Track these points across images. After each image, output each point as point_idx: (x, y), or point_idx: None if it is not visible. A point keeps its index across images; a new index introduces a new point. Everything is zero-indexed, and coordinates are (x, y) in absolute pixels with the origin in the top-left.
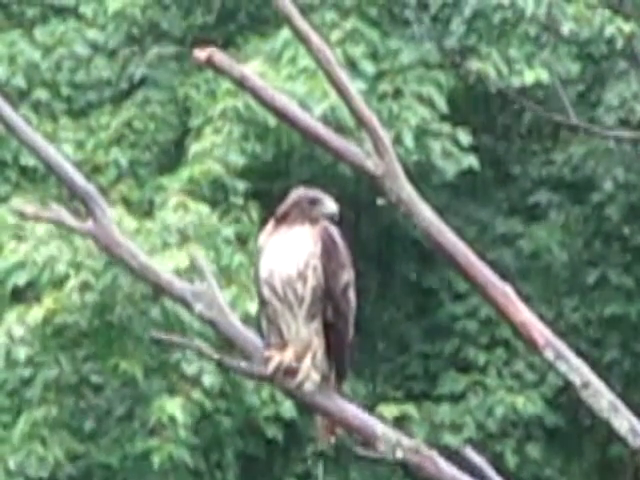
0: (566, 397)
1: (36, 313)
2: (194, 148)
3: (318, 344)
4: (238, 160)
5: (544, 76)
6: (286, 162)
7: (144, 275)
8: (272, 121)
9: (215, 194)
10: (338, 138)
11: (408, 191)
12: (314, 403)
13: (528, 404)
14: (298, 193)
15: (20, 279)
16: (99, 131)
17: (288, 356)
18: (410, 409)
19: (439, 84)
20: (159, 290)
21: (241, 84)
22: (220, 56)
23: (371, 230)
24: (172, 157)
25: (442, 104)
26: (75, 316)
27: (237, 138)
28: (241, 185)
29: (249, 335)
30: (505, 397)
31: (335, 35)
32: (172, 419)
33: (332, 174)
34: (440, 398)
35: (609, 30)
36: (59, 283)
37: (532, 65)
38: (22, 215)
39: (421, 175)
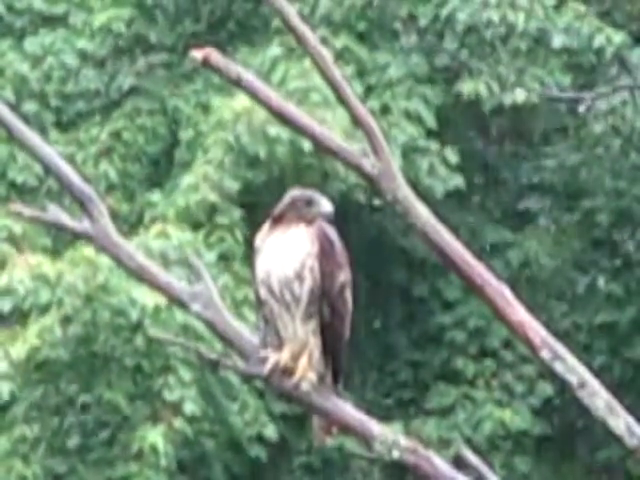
0: (555, 406)
1: (19, 350)
2: (187, 180)
3: (315, 344)
4: (233, 186)
5: (535, 94)
6: (278, 185)
7: (142, 276)
8: (262, 152)
9: (203, 215)
10: (335, 138)
11: (404, 191)
12: (311, 403)
13: (516, 418)
14: (294, 194)
15: (5, 306)
16: (88, 144)
17: (285, 356)
18: (397, 426)
19: (427, 99)
20: (157, 290)
21: (238, 84)
22: (217, 56)
23: (361, 238)
24: (161, 169)
25: (430, 119)
26: (59, 350)
27: (229, 167)
28: (237, 213)
29: (246, 335)
30: (493, 411)
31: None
32: (154, 448)
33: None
34: (429, 412)
35: (598, 40)
36: (44, 309)
37: (523, 80)
38: (20, 216)
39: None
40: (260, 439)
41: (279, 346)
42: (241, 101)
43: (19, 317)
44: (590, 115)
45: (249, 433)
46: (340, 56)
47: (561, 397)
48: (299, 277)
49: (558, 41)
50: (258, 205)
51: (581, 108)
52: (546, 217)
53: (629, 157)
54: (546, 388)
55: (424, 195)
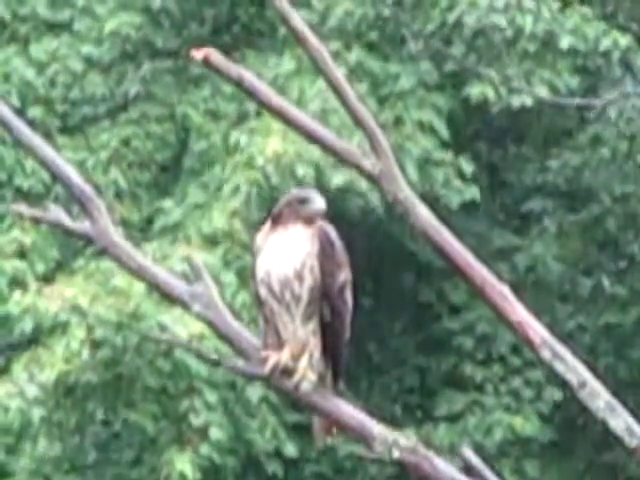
0: (563, 410)
1: (49, 375)
2: (216, 214)
3: (315, 344)
4: (256, 214)
5: (544, 94)
6: None
7: (142, 276)
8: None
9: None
10: (335, 138)
11: (405, 191)
12: (311, 403)
13: (526, 424)
14: (290, 193)
15: (27, 325)
16: (99, 150)
17: (285, 356)
18: (409, 433)
19: (438, 108)
20: (157, 291)
21: (239, 84)
22: (217, 56)
23: (367, 243)
24: (169, 175)
25: (443, 130)
26: (87, 375)
27: (255, 200)
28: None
29: (246, 335)
30: (503, 417)
31: (339, 71)
32: (183, 476)
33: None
34: (437, 418)
35: (605, 43)
36: (64, 327)
37: (531, 82)
38: (20, 216)
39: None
40: (278, 454)
41: (279, 346)
42: (273, 145)
43: (41, 337)
44: (596, 118)
45: (267, 448)
46: (353, 72)
47: (570, 401)
48: (299, 277)
49: (566, 42)
50: None
51: (592, 115)
52: (550, 219)
53: (636, 159)
54: (554, 393)
55: (438, 206)
